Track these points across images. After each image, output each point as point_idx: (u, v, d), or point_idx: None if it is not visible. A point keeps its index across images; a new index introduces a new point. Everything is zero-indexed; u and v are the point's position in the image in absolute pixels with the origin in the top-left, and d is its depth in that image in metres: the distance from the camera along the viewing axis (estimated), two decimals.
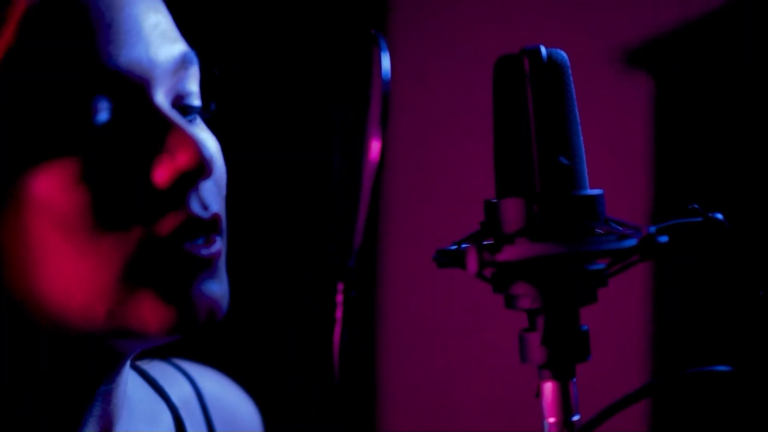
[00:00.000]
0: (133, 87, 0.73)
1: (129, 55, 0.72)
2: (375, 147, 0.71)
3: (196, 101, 0.79)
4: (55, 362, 0.77)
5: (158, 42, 0.75)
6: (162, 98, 0.75)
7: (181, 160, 0.72)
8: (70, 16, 0.71)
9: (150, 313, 0.72)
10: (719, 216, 0.79)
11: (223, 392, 0.98)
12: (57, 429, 0.78)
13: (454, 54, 2.15)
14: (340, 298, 0.75)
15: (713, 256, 0.78)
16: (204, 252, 0.74)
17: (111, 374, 0.80)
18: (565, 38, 2.12)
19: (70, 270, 0.71)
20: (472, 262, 0.75)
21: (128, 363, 0.82)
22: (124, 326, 0.73)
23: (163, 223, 0.72)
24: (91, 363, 0.78)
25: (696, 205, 0.81)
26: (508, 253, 0.75)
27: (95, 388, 0.79)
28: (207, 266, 0.74)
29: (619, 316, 1.83)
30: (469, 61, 2.12)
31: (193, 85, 0.78)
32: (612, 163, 1.98)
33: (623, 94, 2.04)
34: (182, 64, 0.76)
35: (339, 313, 0.75)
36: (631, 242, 0.75)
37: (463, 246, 0.80)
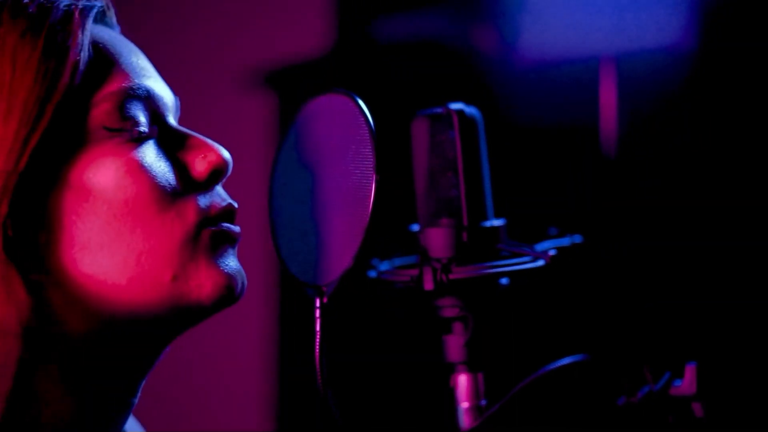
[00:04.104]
0: (159, 110, 0.88)
1: (154, 85, 0.88)
2: (372, 190, 0.86)
3: None
4: (110, 354, 0.86)
5: (165, 86, 0.91)
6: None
7: (213, 158, 0.88)
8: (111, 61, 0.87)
9: (206, 276, 0.86)
10: (578, 238, 1.02)
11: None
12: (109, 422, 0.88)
13: None
14: (317, 313, 0.89)
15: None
16: (235, 230, 0.89)
17: (147, 370, 0.89)
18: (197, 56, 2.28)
19: (142, 242, 0.84)
20: (428, 281, 0.92)
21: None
22: (184, 293, 0.85)
23: (212, 205, 0.87)
24: (137, 353, 0.88)
25: (555, 230, 1.02)
26: (458, 273, 0.93)
27: (138, 381, 0.89)
28: (234, 243, 0.89)
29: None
30: None
31: None
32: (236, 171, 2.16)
33: (249, 107, 2.28)
34: (177, 108, 0.92)
35: (318, 327, 0.88)
36: (541, 262, 0.95)
37: (381, 266, 0.97)
